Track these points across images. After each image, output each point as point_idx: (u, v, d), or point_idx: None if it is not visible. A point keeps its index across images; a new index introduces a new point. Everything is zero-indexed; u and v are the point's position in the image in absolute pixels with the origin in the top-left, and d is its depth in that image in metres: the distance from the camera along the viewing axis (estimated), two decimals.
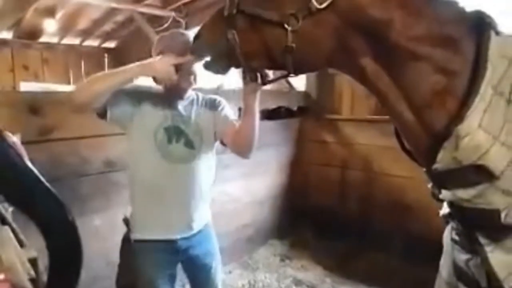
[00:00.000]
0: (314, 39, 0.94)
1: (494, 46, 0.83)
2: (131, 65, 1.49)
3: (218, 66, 1.19)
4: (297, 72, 1.05)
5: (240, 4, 1.01)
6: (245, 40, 1.01)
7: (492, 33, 0.84)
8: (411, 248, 2.87)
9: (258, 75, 1.27)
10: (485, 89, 0.82)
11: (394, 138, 1.11)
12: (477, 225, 0.91)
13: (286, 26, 0.92)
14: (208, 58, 1.21)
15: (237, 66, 1.16)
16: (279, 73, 1.25)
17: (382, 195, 3.33)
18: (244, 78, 1.33)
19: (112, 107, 1.51)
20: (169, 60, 1.47)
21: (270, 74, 1.32)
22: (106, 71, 1.49)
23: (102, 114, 1.51)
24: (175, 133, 1.60)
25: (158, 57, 1.51)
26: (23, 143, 1.58)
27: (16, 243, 1.03)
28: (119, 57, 7.60)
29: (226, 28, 1.02)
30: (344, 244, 3.41)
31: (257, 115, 1.51)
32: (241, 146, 1.62)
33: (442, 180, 0.94)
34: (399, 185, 3.15)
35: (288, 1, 0.94)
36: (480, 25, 0.86)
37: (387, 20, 0.88)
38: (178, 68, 1.47)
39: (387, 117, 1.03)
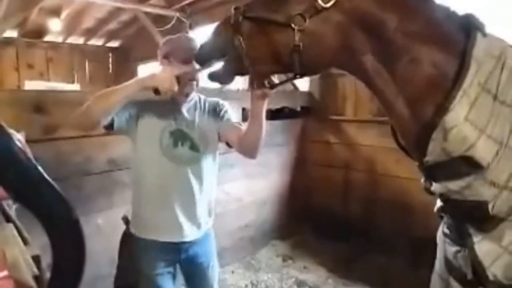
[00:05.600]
0: (320, 37, 0.97)
1: (479, 45, 0.89)
2: (133, 79, 1.49)
3: (224, 75, 1.19)
4: (303, 73, 1.07)
5: (246, 11, 1.04)
6: (252, 45, 1.04)
7: (479, 34, 0.91)
8: (414, 249, 2.86)
9: (265, 81, 1.27)
10: (470, 84, 0.87)
11: None
12: (467, 216, 0.95)
13: (293, 26, 0.95)
14: (212, 68, 1.22)
15: (243, 73, 1.17)
16: (283, 78, 1.26)
17: (385, 196, 3.32)
18: (251, 84, 1.33)
19: (117, 118, 1.53)
20: (171, 70, 1.47)
21: (275, 79, 1.32)
22: (109, 88, 1.49)
23: (108, 126, 1.54)
24: (180, 137, 1.61)
25: (160, 68, 1.51)
26: (27, 141, 1.59)
27: (20, 241, 1.04)
28: (123, 56, 7.64)
29: (233, 35, 1.05)
30: (347, 246, 3.41)
31: (264, 121, 1.51)
32: (247, 149, 1.64)
33: (433, 172, 0.98)
34: (402, 187, 3.13)
35: (295, 2, 0.97)
36: (468, 27, 0.93)
37: (385, 18, 0.93)
38: (179, 78, 1.46)
39: None
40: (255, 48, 1.04)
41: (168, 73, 1.45)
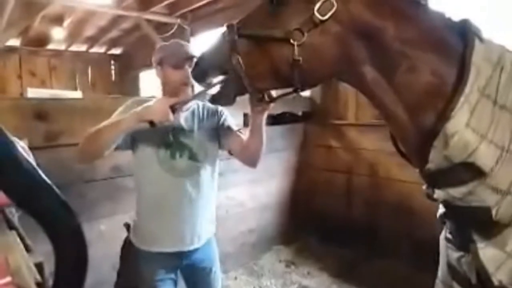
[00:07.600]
0: (319, 50, 0.97)
1: (478, 51, 0.88)
2: (128, 114, 1.45)
3: (225, 95, 1.17)
4: (304, 87, 1.06)
5: (241, 29, 1.03)
6: (250, 63, 1.03)
7: (476, 39, 0.90)
8: (418, 254, 2.83)
9: (265, 95, 1.29)
10: (470, 90, 0.86)
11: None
12: (470, 222, 0.94)
13: (291, 41, 0.95)
14: (207, 94, 1.22)
15: (243, 92, 1.14)
16: (281, 91, 1.25)
17: (388, 200, 3.31)
18: (251, 99, 1.34)
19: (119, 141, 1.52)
20: (165, 101, 1.43)
21: (273, 93, 1.33)
22: (104, 123, 1.47)
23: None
24: (177, 148, 1.60)
25: (154, 101, 1.49)
26: (30, 148, 1.60)
27: (23, 248, 1.04)
28: (125, 63, 7.69)
29: (230, 54, 1.04)
30: (350, 250, 3.39)
31: (264, 132, 1.53)
32: (248, 159, 1.66)
33: (435, 179, 0.97)
34: (405, 190, 3.12)
35: (292, 17, 0.97)
36: (466, 32, 0.92)
37: (383, 26, 0.93)
38: (174, 108, 1.42)
39: None
40: (254, 65, 1.03)
41: (162, 104, 1.41)
